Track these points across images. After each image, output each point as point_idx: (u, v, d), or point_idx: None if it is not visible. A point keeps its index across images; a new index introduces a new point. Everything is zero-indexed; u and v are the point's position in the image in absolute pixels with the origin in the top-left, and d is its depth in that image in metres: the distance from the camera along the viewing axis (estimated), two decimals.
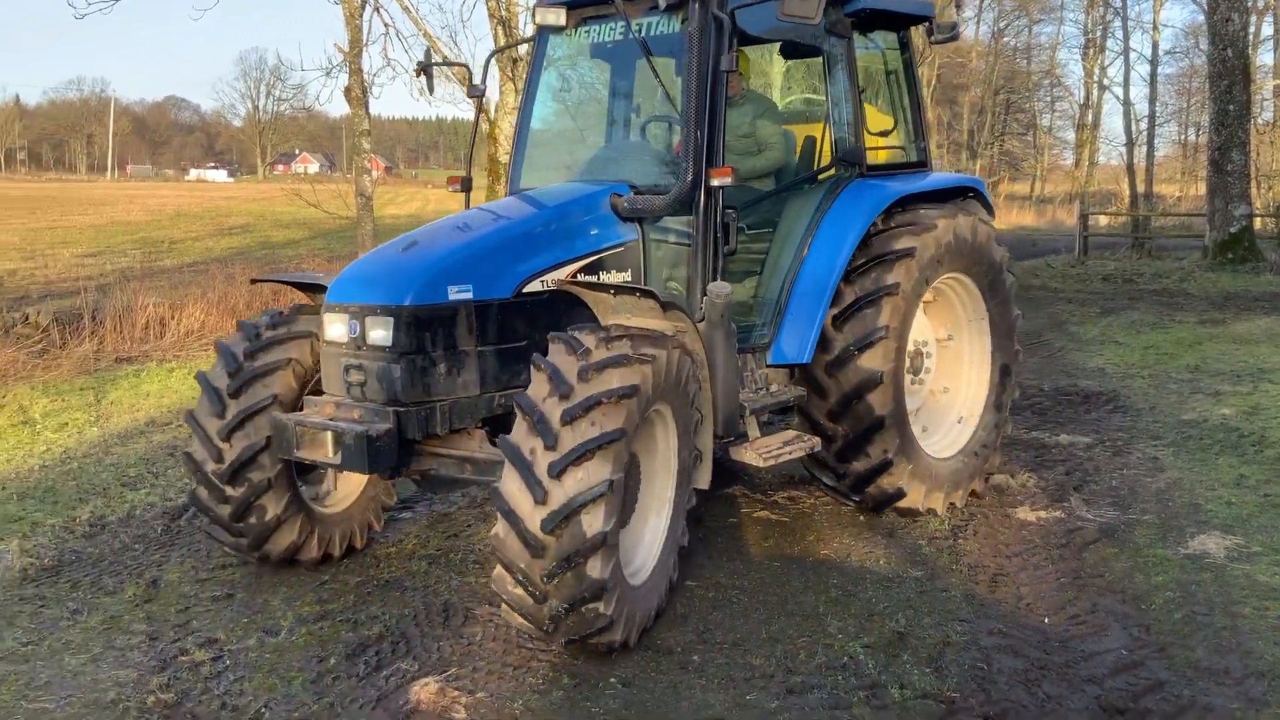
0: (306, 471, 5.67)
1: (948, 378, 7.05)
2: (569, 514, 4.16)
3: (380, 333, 4.91)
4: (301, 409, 5.36)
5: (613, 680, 4.54)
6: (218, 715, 4.27)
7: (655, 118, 6.73)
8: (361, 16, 16.88)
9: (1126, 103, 35.29)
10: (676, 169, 5.83)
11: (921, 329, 6.75)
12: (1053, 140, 63.86)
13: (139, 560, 6.01)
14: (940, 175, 7.28)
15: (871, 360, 6.04)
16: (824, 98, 6.67)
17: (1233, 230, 22.76)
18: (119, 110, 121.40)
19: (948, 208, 6.62)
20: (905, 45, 7.15)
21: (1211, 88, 23.21)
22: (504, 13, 16.25)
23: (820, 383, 6.18)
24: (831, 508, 6.84)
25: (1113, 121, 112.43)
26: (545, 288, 5.32)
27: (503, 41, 15.77)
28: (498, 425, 5.15)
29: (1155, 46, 35.57)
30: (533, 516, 4.18)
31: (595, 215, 5.62)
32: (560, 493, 4.17)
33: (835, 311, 6.13)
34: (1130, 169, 34.38)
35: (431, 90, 6.81)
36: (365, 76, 17.33)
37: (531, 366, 4.47)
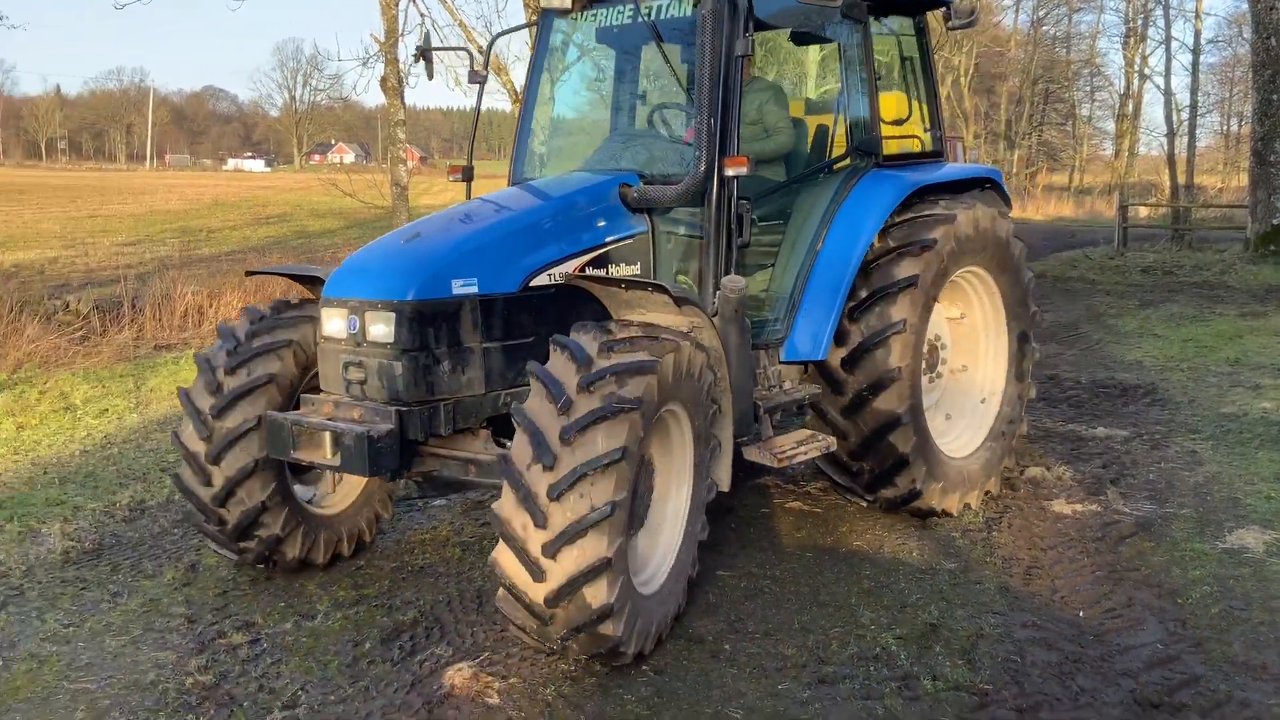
0: (302, 471, 5.49)
1: (965, 355, 6.87)
2: (569, 539, 3.98)
3: (381, 328, 4.72)
4: (298, 407, 5.18)
5: (645, 668, 4.55)
6: (255, 697, 4.34)
7: (665, 105, 6.53)
8: (397, 7, 16.97)
9: (1168, 92, 34.80)
10: (688, 158, 5.62)
11: (935, 319, 6.57)
12: (1092, 130, 63.10)
13: (178, 545, 6.10)
14: (957, 165, 7.11)
15: (889, 355, 5.85)
16: (846, 86, 6.46)
17: (1275, 222, 22.37)
18: (158, 100, 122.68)
19: (966, 199, 6.48)
20: (921, 30, 6.95)
21: (1255, 77, 22.81)
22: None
23: (835, 378, 5.99)
24: None
25: (1153, 111, 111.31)
26: (553, 281, 5.12)
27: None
28: (503, 424, 4.98)
29: (1197, 35, 34.99)
30: (533, 540, 4.02)
31: (603, 206, 5.43)
32: (560, 517, 3.99)
33: (852, 305, 5.95)
34: (1171, 160, 33.92)
35: (431, 76, 6.61)
36: (401, 66, 17.42)
37: (530, 376, 4.29)
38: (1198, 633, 4.88)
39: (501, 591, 4.20)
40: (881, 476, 6.13)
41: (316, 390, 5.17)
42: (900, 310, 5.87)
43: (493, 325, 4.93)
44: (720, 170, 5.35)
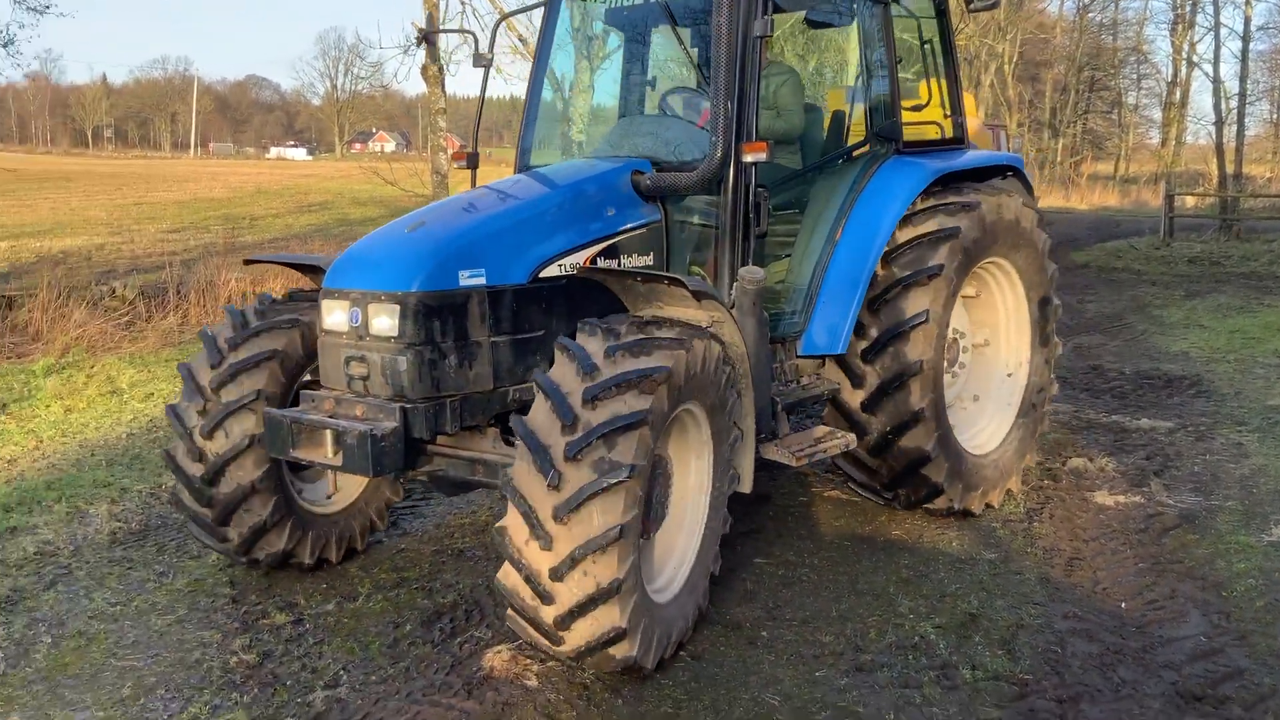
0: (301, 469, 5.32)
1: (987, 329, 6.65)
2: (576, 563, 3.81)
3: (384, 321, 4.52)
4: (298, 404, 4.99)
5: (682, 654, 4.57)
6: (298, 676, 4.40)
7: (679, 89, 6.30)
8: None
9: (1216, 80, 34.16)
10: (703, 144, 5.37)
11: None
12: (1138, 119, 62.19)
13: None
14: (979, 153, 6.89)
15: (911, 347, 5.64)
16: (866, 70, 6.21)
17: None
18: (201, 89, 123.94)
19: (989, 186, 6.29)
20: (942, 12, 6.69)
21: None
22: None
23: (855, 371, 5.78)
24: None
25: (1201, 99, 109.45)
26: (563, 273, 4.91)
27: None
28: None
29: (1247, 22, 34.28)
30: (540, 563, 3.86)
31: (614, 194, 5.19)
32: (567, 540, 3.81)
33: (872, 295, 5.74)
34: (1219, 148, 33.32)
35: (435, 59, 6.43)
36: (443, 56, 17.48)
37: (534, 384, 4.10)
38: (1242, 626, 4.83)
39: (510, 611, 4.08)
40: (901, 474, 5.92)
41: (317, 386, 4.98)
42: (923, 301, 5.67)
43: (501, 318, 4.72)
44: (738, 156, 5.15)
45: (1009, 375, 6.66)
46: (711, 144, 4.97)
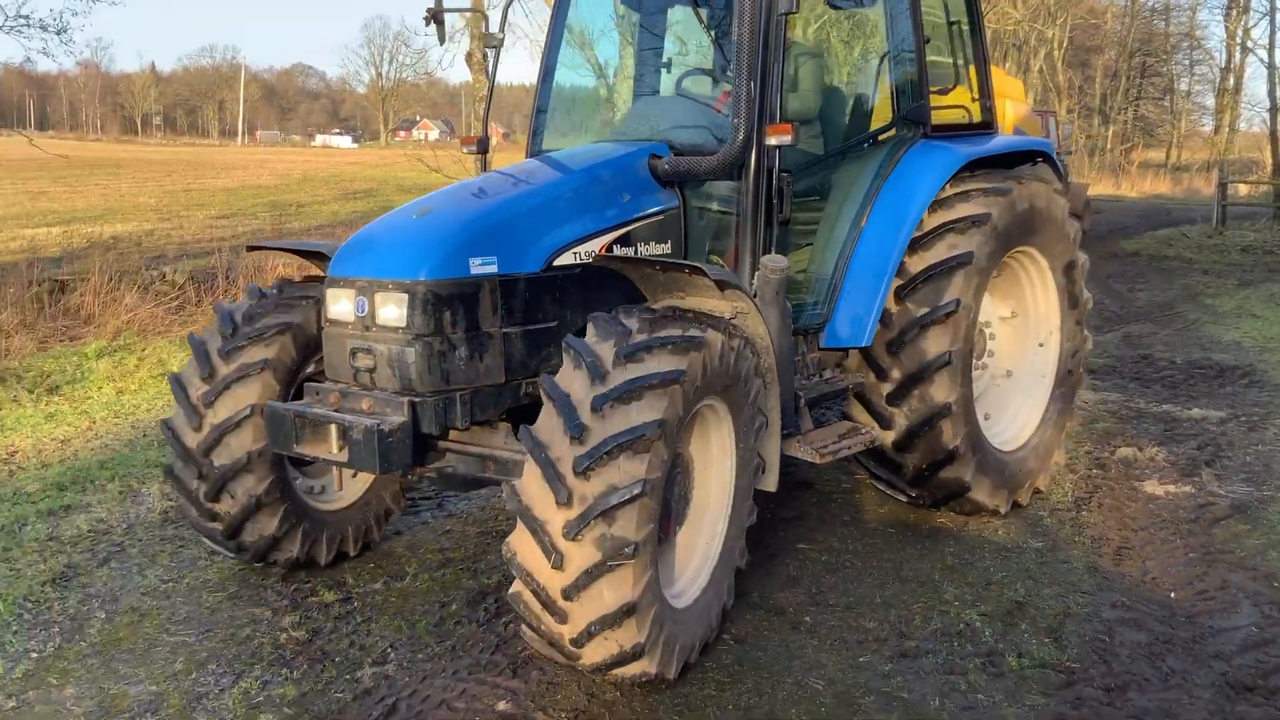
0: (305, 464, 5.14)
1: (1015, 302, 6.40)
2: (590, 580, 3.65)
3: (392, 311, 4.33)
4: (302, 396, 4.80)
5: (725, 637, 4.58)
6: (346, 653, 4.46)
7: (697, 70, 6.07)
8: None
9: (1271, 66, 33.44)
10: (723, 127, 5.18)
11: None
12: (1191, 105, 61.17)
13: None
14: (1009, 138, 6.63)
15: (939, 338, 5.39)
16: (892, 50, 5.96)
17: None
18: (249, 77, 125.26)
19: (1020, 172, 6.07)
20: None
21: None
22: None
23: (879, 363, 5.54)
24: None
25: (1255, 86, 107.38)
26: (578, 261, 4.72)
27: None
28: (524, 416, 4.35)
29: None
30: (551, 582, 3.69)
31: (630, 179, 4.99)
32: (579, 558, 3.64)
33: (899, 283, 5.49)
34: (1274, 135, 32.65)
35: (443, 40, 6.08)
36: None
37: (541, 390, 3.90)
38: None
39: (523, 627, 3.98)
40: (926, 471, 5.69)
41: (321, 378, 4.80)
42: (953, 290, 5.42)
43: (513, 308, 4.53)
44: (761, 139, 4.91)
45: (1040, 345, 6.40)
46: (733, 126, 4.74)
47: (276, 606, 4.91)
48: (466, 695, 4.10)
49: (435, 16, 5.84)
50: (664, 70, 6.27)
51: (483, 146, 6.10)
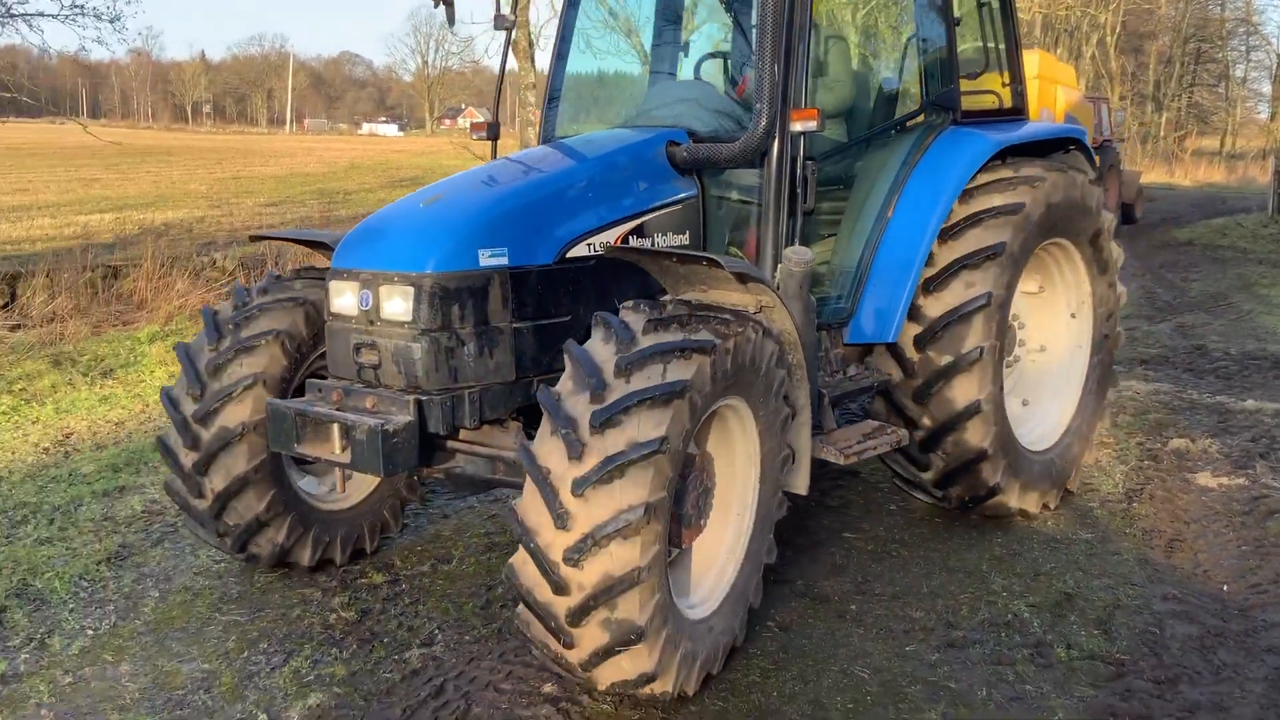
0: (308, 461, 4.90)
1: (1041, 277, 6.15)
2: (593, 606, 3.46)
3: (397, 305, 4.14)
4: (303, 393, 4.60)
5: (770, 624, 4.58)
6: (395, 634, 4.51)
7: (716, 53, 5.85)
8: None
9: None
10: (745, 112, 4.93)
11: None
12: (1246, 92, 60.02)
13: None
14: (1040, 124, 6.33)
15: (969, 333, 5.18)
16: (920, 32, 5.74)
17: None
18: (297, 66, 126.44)
19: (1052, 161, 5.83)
20: None
21: None
22: None
23: (906, 359, 5.31)
24: None
25: None
26: (593, 252, 4.50)
27: None
28: (536, 415, 3.97)
29: None
30: (555, 605, 3.50)
31: (647, 167, 4.78)
32: (582, 582, 3.44)
33: (928, 275, 5.27)
34: None
35: (452, 22, 5.83)
36: (532, 29, 17.56)
37: (540, 401, 3.66)
38: None
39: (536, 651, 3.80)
40: (954, 472, 5.45)
41: (324, 375, 4.61)
42: (984, 282, 5.20)
43: (525, 302, 4.32)
44: (784, 125, 4.66)
45: (1073, 316, 6.18)
46: (755, 112, 4.54)
47: (326, 587, 4.97)
48: (513, 677, 4.14)
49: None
50: (683, 53, 6.08)
51: (493, 133, 5.88)
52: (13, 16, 14.96)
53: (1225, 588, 4.97)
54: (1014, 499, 5.60)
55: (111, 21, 15.87)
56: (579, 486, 3.40)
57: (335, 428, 4.13)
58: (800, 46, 4.75)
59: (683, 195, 4.86)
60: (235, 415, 4.56)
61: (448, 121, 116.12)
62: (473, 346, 4.20)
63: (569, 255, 4.45)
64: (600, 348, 3.67)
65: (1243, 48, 57.72)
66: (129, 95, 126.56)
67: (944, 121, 5.69)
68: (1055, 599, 4.85)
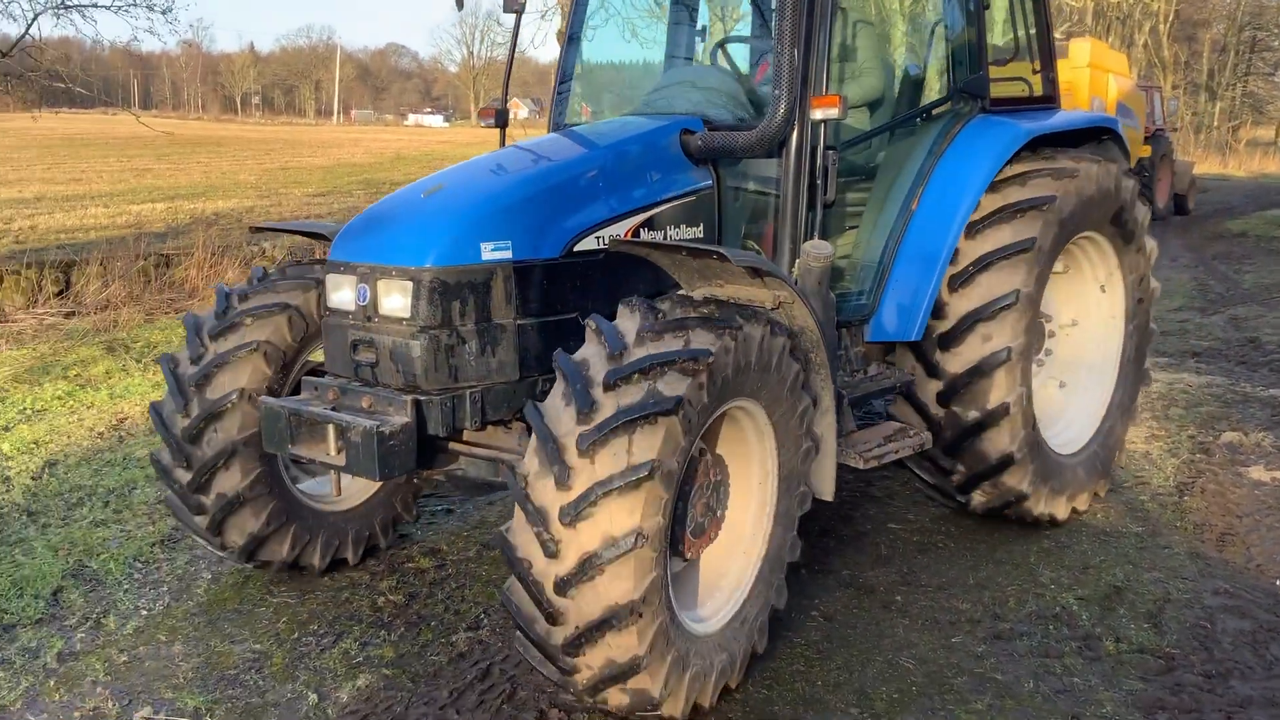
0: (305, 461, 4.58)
1: (1065, 258, 5.81)
2: (588, 640, 3.32)
3: (396, 300, 3.95)
4: (299, 391, 4.44)
5: (814, 614, 4.58)
6: (441, 618, 4.56)
7: (734, 37, 5.65)
8: None
9: None
10: (763, 99, 4.74)
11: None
12: None
13: None
14: (1073, 113, 6.09)
15: (996, 333, 4.95)
16: (947, 16, 5.51)
17: None
18: (344, 57, 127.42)
19: (1085, 151, 5.60)
20: None
21: None
22: None
23: (930, 359, 5.09)
24: None
25: None
26: (601, 246, 4.28)
27: None
28: None
29: None
30: (551, 635, 3.36)
31: (660, 156, 4.55)
32: (573, 611, 3.30)
33: (954, 272, 5.05)
34: None
35: (461, 6, 5.70)
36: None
37: (528, 417, 3.46)
38: None
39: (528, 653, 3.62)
40: (979, 477, 5.24)
41: (321, 372, 4.45)
42: (1012, 279, 4.97)
43: (529, 298, 4.13)
44: (804, 113, 4.46)
45: (1102, 289, 5.93)
46: (774, 98, 4.25)
47: (375, 571, 5.03)
48: None
49: None
50: (699, 37, 5.85)
51: (501, 120, 5.69)
52: (68, 8, 15.21)
53: (1278, 582, 4.90)
54: (1042, 505, 5.38)
55: (164, 13, 16.10)
56: (567, 515, 3.23)
57: (330, 429, 3.96)
58: (821, 30, 4.56)
59: (697, 186, 4.63)
60: (224, 433, 4.41)
61: None
62: (474, 344, 4.02)
63: (576, 249, 4.24)
64: (590, 359, 3.47)
65: None
66: (179, 86, 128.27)
67: (972, 109, 5.45)
68: (1104, 592, 4.81)
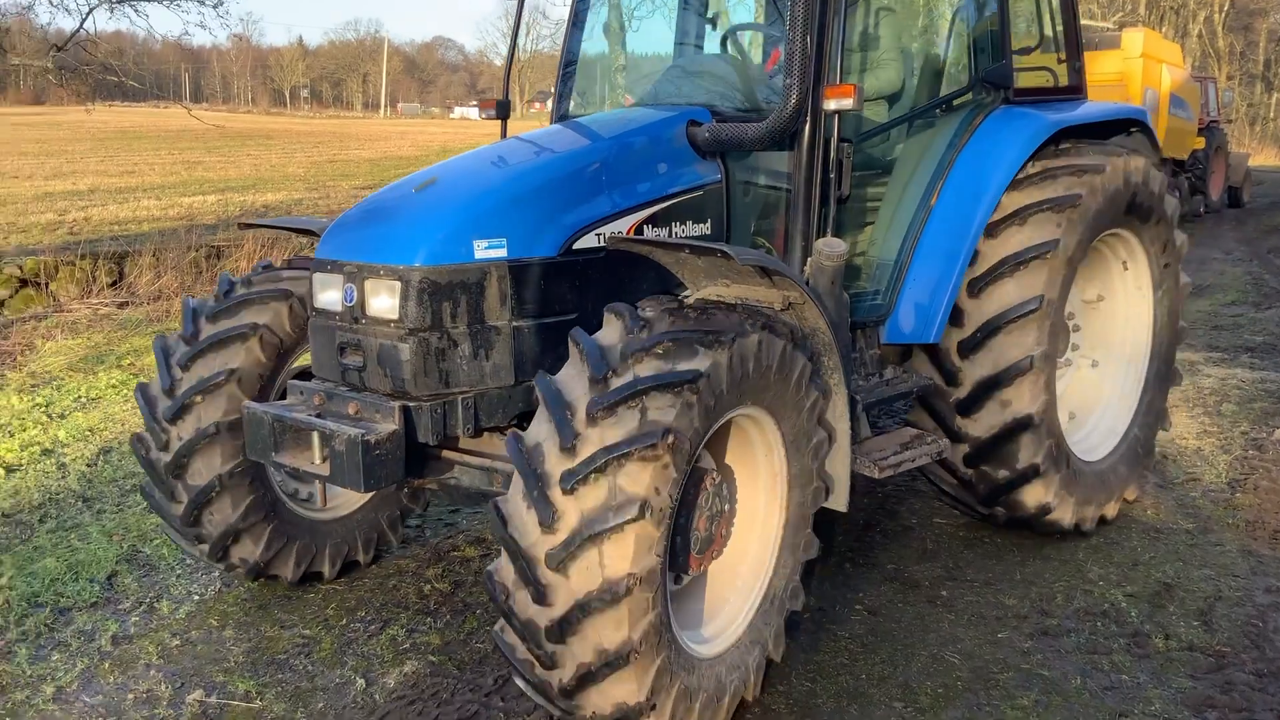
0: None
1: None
2: (581, 687, 3.14)
3: (384, 301, 3.76)
4: (284, 396, 4.29)
5: (858, 608, 4.56)
6: (486, 605, 4.59)
7: (743, 25, 5.47)
8: None
9: None
10: (773, 89, 4.61)
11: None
12: None
13: None
14: (1100, 104, 5.83)
15: (1019, 339, 4.72)
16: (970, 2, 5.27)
17: None
18: (391, 50, 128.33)
19: (1113, 145, 5.37)
20: None
21: None
22: None
23: (950, 365, 4.86)
24: None
25: None
26: (601, 244, 4.05)
27: None
28: None
29: None
30: (548, 677, 3.17)
31: (665, 149, 4.32)
32: (566, 658, 3.11)
33: (974, 274, 4.82)
34: None
35: None
36: (623, 11, 17.54)
37: (508, 450, 3.24)
38: None
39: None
40: (1002, 488, 5.00)
41: (309, 375, 4.23)
42: (1036, 283, 4.74)
43: (525, 299, 3.91)
44: (817, 104, 4.20)
45: (1126, 268, 5.63)
46: (785, 88, 4.06)
47: (420, 558, 5.09)
48: None
49: None
50: (708, 25, 5.63)
51: (503, 111, 5.49)
52: (121, 2, 15.44)
53: None
54: (1069, 516, 5.14)
55: (215, 7, 16.29)
56: (554, 560, 3.01)
57: (315, 436, 3.77)
58: (836, 16, 4.31)
59: (704, 180, 4.39)
60: (207, 414, 4.22)
61: (537, 105, 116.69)
62: (467, 347, 3.82)
63: (576, 246, 4.01)
64: (573, 382, 3.23)
65: None
66: (229, 80, 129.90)
67: (995, 100, 5.18)
68: (1154, 589, 4.75)
